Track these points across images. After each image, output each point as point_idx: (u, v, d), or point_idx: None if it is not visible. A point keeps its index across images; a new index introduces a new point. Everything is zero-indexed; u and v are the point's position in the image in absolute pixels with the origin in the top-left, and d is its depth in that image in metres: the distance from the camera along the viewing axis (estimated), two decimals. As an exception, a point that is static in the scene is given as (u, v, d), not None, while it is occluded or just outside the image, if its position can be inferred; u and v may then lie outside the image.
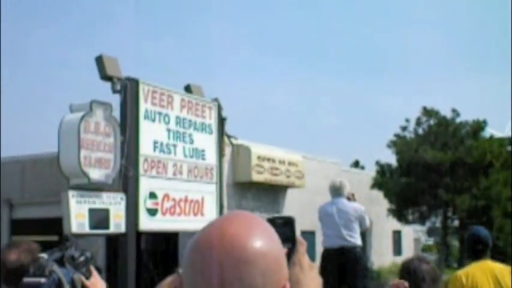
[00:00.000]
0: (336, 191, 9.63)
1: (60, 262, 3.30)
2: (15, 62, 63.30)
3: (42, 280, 3.03)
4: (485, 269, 5.77)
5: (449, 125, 27.18)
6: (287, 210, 23.40)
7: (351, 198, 9.73)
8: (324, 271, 9.65)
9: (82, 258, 3.43)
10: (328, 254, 9.59)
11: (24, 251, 3.47)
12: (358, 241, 9.57)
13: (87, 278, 3.40)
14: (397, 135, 27.79)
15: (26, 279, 3.04)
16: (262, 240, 1.28)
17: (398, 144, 27.14)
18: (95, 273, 3.43)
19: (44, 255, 3.28)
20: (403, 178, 26.44)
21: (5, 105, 60.49)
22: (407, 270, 4.43)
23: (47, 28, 68.90)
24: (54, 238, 18.81)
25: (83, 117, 11.82)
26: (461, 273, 5.90)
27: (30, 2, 67.50)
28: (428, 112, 27.58)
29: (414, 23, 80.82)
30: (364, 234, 9.91)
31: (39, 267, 3.13)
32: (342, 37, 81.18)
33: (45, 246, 3.64)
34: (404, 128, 27.91)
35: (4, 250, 3.53)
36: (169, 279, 4.79)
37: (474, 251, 5.95)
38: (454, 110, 27.60)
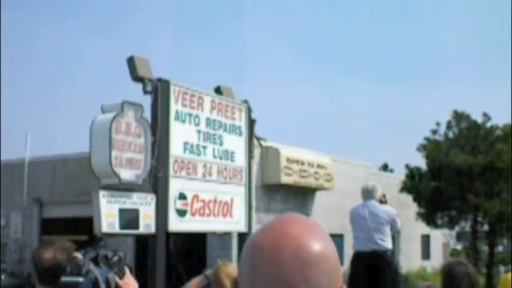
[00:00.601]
0: (368, 193, 9.56)
1: (95, 261, 3.32)
2: (46, 62, 63.91)
3: (80, 279, 3.04)
4: None
5: (480, 128, 26.91)
6: (315, 213, 23.34)
7: (382, 200, 9.66)
8: (354, 275, 9.60)
9: (115, 258, 3.45)
10: (359, 257, 9.52)
11: (59, 250, 3.47)
12: (389, 245, 9.50)
13: (120, 277, 3.41)
14: (427, 139, 27.58)
15: (64, 278, 3.05)
16: (323, 242, 1.29)
17: (429, 147, 26.91)
18: (127, 273, 3.44)
19: (79, 255, 3.29)
20: (432, 182, 26.21)
21: (35, 105, 61.10)
22: (446, 274, 4.39)
23: (78, 28, 69.43)
24: (84, 237, 18.95)
25: (114, 118, 11.89)
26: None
27: (68, 6, 68.09)
28: (459, 116, 27.32)
29: (445, 26, 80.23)
30: (393, 238, 9.80)
31: (76, 266, 3.14)
32: (373, 40, 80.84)
33: (77, 245, 3.65)
34: (434, 132, 27.67)
35: (39, 249, 3.55)
36: (196, 280, 4.79)
37: None
38: (485, 114, 27.32)
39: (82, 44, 65.02)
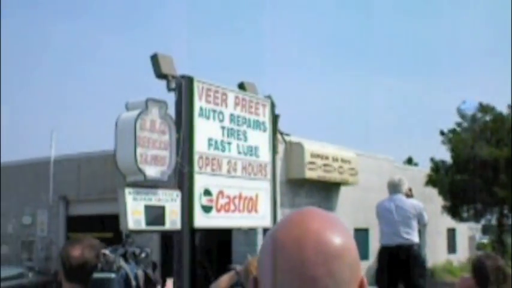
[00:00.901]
0: (395, 187, 9.50)
1: (124, 258, 3.35)
2: (69, 60, 64.30)
3: (112, 275, 3.07)
4: None
5: (505, 121, 26.69)
6: (340, 208, 23.30)
7: (408, 194, 9.60)
8: (381, 269, 9.56)
9: (143, 255, 3.48)
10: (385, 251, 9.47)
11: (87, 247, 3.49)
12: (415, 238, 9.43)
13: (147, 273, 3.44)
14: (452, 132, 27.41)
15: (96, 275, 3.07)
16: (344, 235, 1.29)
17: (454, 140, 26.76)
18: (169, 284, 3.47)
19: (107, 251, 3.32)
20: (458, 175, 26.06)
21: (60, 103, 61.51)
22: (476, 267, 4.36)
23: (101, 26, 69.80)
24: (109, 235, 19.07)
25: (139, 115, 11.93)
26: None
27: (93, 4, 68.50)
28: (484, 108, 27.15)
29: (468, 18, 79.75)
30: (419, 232, 9.73)
31: (107, 263, 3.17)
32: (396, 33, 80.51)
33: (104, 244, 3.67)
34: (459, 124, 27.53)
35: (67, 246, 3.55)
36: (226, 277, 4.80)
37: None
38: (510, 106, 27.10)
39: (105, 42, 65.34)
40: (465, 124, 27.51)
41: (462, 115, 27.67)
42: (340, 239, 1.26)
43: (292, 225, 1.29)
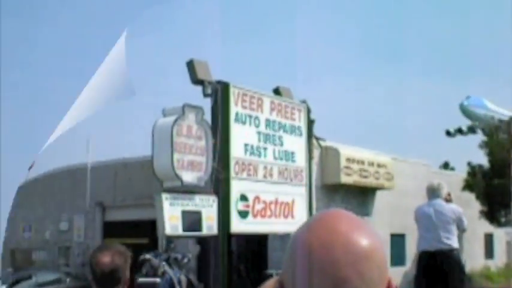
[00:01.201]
0: (434, 192, 9.41)
1: (167, 263, 3.35)
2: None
3: (158, 280, 3.08)
4: None
5: (543, 124, 26.36)
6: (376, 213, 23.15)
7: (447, 198, 9.52)
8: (420, 274, 9.48)
9: (185, 260, 3.49)
10: (424, 256, 9.39)
11: (117, 254, 3.50)
12: (455, 243, 9.35)
13: (189, 278, 3.44)
14: (489, 136, 27.14)
15: (142, 279, 3.09)
16: (371, 235, 1.29)
17: (491, 144, 26.48)
18: None
19: (149, 256, 3.33)
20: (495, 179, 25.78)
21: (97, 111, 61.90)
22: None
23: (136, 33, 70.26)
24: (145, 240, 19.16)
25: (175, 121, 12.00)
26: None
27: (127, 11, 69.09)
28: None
29: (501, 18, 78.88)
30: (457, 237, 9.64)
31: (152, 268, 3.18)
32: (429, 37, 79.86)
33: (138, 248, 3.68)
34: (496, 128, 27.25)
35: (96, 253, 3.56)
36: (272, 282, 4.79)
37: None
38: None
39: (140, 47, 65.76)
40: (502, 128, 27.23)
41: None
42: (368, 240, 1.27)
43: (320, 226, 1.29)
